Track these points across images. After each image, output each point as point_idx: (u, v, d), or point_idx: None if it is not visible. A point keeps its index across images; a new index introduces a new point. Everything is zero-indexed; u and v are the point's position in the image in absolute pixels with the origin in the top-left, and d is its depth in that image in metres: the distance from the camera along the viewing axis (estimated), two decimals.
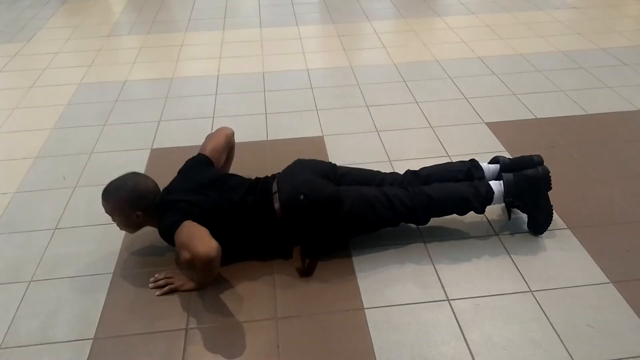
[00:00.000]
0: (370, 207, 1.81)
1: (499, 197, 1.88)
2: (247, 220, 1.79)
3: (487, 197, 1.87)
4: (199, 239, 1.58)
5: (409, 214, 1.85)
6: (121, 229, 1.87)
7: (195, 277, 1.76)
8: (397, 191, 1.85)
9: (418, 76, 3.22)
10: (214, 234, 1.65)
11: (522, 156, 2.00)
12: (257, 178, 1.93)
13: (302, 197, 1.74)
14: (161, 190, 1.88)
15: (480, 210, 1.90)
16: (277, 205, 1.77)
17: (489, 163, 2.02)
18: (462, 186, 1.89)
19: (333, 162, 2.00)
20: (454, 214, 1.93)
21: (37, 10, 4.66)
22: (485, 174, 1.98)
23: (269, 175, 1.91)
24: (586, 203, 2.11)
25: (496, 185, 1.89)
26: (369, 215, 1.81)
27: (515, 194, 1.87)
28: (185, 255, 1.61)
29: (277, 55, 3.58)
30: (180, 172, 1.97)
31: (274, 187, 1.82)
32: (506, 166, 1.97)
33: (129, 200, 1.78)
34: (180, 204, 1.77)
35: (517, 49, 3.55)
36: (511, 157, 2.02)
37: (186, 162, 1.99)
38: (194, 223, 1.66)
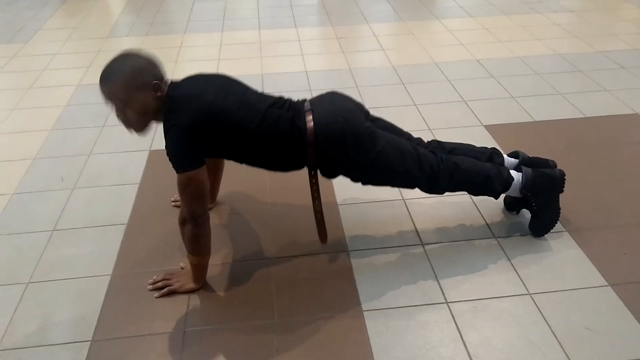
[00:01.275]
0: (401, 157, 1.73)
1: (516, 187, 1.87)
2: (267, 137, 1.62)
3: (508, 182, 1.86)
4: (198, 198, 1.58)
5: (433, 176, 1.78)
6: (129, 125, 1.59)
7: (188, 255, 1.72)
8: (425, 151, 1.80)
9: (416, 79, 3.22)
10: (225, 147, 1.63)
11: (539, 157, 1.99)
12: (280, 96, 1.75)
13: (341, 120, 1.64)
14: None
15: (497, 194, 1.88)
16: (310, 124, 1.62)
17: (508, 155, 2.01)
18: (487, 165, 1.86)
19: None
20: (468, 193, 1.90)
21: (36, 11, 4.65)
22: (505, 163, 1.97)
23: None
24: (584, 206, 2.11)
25: (515, 175, 1.88)
26: (397, 164, 1.73)
27: (532, 188, 1.86)
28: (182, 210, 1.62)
29: (276, 57, 3.59)
30: (192, 76, 1.69)
31: (306, 105, 1.68)
32: (525, 161, 1.96)
33: (145, 69, 1.53)
34: (193, 106, 1.55)
35: (515, 51, 3.56)
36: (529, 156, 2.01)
37: None
38: (202, 177, 1.57)
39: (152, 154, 2.55)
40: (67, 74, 3.44)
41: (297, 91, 3.10)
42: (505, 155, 1.99)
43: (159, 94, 1.57)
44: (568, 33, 3.86)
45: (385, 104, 2.93)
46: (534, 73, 3.25)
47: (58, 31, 4.19)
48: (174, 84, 1.64)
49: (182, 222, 1.65)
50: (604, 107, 2.85)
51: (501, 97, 2.99)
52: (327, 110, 1.67)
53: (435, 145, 1.91)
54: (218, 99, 1.59)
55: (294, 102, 1.73)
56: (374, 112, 2.82)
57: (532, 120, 2.75)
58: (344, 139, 1.64)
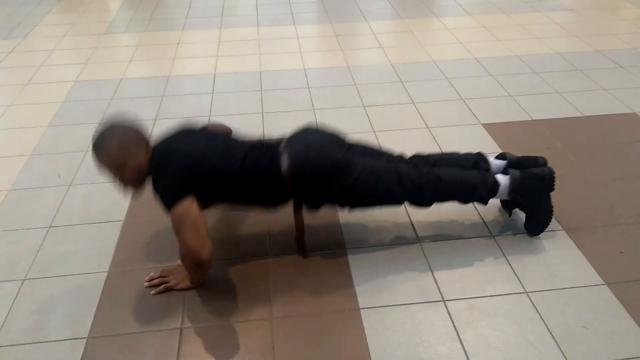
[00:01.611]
0: (379, 179, 1.77)
1: (504, 191, 1.88)
2: (248, 180, 1.70)
3: (494, 188, 1.86)
4: (195, 233, 1.57)
5: (416, 192, 1.81)
6: (126, 184, 1.71)
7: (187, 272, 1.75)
8: (406, 168, 1.83)
9: (415, 77, 3.22)
10: (212, 193, 1.66)
11: (528, 156, 1.99)
12: (258, 140, 1.85)
13: (313, 155, 1.71)
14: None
15: (485, 201, 1.89)
16: (285, 163, 1.69)
17: (495, 158, 2.02)
18: (471, 173, 1.88)
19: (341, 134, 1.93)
20: (457, 202, 1.90)
21: (33, 6, 4.63)
22: (491, 167, 1.97)
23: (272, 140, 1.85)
24: (581, 205, 2.11)
25: (502, 179, 1.88)
26: (376, 186, 1.77)
27: (520, 190, 1.87)
28: (180, 247, 1.63)
29: (274, 55, 3.58)
30: (175, 131, 1.84)
31: (282, 145, 1.76)
32: (512, 163, 1.97)
33: (133, 134, 1.69)
34: (178, 157, 1.66)
35: (514, 50, 3.56)
36: (517, 156, 2.02)
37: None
38: (194, 207, 1.59)
39: None
40: (65, 70, 3.43)
41: (296, 89, 3.10)
42: (492, 159, 2.00)
43: (149, 150, 1.71)
44: (567, 32, 3.86)
45: (383, 102, 2.93)
46: (532, 72, 3.25)
47: (56, 27, 4.17)
48: (158, 142, 1.75)
49: (183, 259, 1.69)
50: (602, 106, 2.85)
51: (499, 96, 2.99)
52: (300, 149, 1.74)
53: (418, 159, 1.93)
54: (199, 151, 1.69)
55: (271, 144, 1.80)
56: (372, 110, 2.84)
57: (530, 119, 2.75)
58: (318, 173, 1.72)
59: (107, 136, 1.68)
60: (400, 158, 1.92)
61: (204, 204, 1.72)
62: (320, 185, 1.74)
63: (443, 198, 1.88)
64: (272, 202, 1.80)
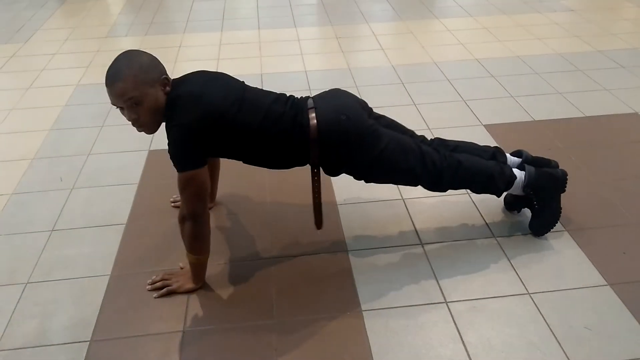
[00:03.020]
0: (404, 154, 1.73)
1: (519, 185, 1.87)
2: (268, 133, 1.61)
3: (510, 180, 1.86)
4: (199, 197, 1.57)
5: (436, 174, 1.78)
6: (140, 125, 1.57)
7: (188, 254, 1.70)
8: (428, 149, 1.80)
9: (416, 78, 3.22)
10: (228, 145, 1.63)
11: (542, 157, 1.99)
12: (280, 93, 1.74)
13: (344, 117, 1.64)
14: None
15: (500, 192, 1.89)
16: (313, 121, 1.62)
17: (511, 155, 2.01)
18: (490, 163, 1.87)
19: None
20: (471, 191, 1.87)
21: (35, 11, 4.65)
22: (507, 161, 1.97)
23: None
24: (583, 205, 2.11)
25: (518, 174, 1.88)
26: (400, 161, 1.73)
27: (534, 187, 1.87)
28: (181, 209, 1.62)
29: (275, 57, 3.58)
30: (197, 73, 1.70)
31: (310, 103, 1.68)
32: (528, 160, 1.96)
33: (153, 64, 1.54)
34: (199, 105, 1.54)
35: (515, 51, 3.56)
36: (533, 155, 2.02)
37: None
38: (204, 175, 1.56)
39: (151, 153, 2.55)
40: (66, 73, 3.44)
41: (297, 91, 3.08)
42: (507, 155, 1.99)
43: (167, 89, 1.58)
44: (568, 32, 3.86)
45: (384, 104, 2.93)
46: (533, 72, 3.25)
47: (57, 31, 4.19)
48: (176, 82, 1.63)
49: (182, 220, 1.64)
50: (603, 106, 2.85)
51: (501, 97, 2.98)
52: (330, 108, 1.67)
53: (438, 142, 1.91)
54: (219, 100, 1.58)
55: (296, 99, 1.72)
56: None
57: (532, 119, 2.74)
58: (347, 137, 1.65)
59: (122, 65, 1.49)
60: (422, 138, 1.89)
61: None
62: (346, 150, 1.67)
63: (460, 184, 1.85)
64: (289, 160, 1.72)
